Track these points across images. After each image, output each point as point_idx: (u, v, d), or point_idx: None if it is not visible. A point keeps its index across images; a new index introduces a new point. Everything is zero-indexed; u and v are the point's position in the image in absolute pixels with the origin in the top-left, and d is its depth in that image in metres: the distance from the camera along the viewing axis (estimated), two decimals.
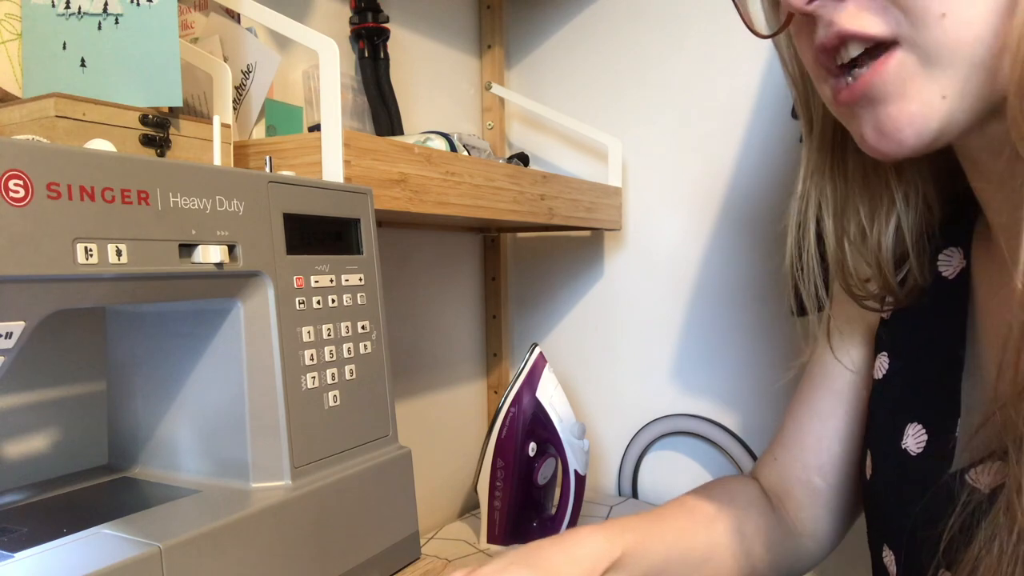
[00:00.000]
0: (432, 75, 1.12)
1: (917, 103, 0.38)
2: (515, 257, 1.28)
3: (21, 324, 0.40)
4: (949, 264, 0.52)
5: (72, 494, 0.55)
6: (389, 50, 0.97)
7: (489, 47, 1.21)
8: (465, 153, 0.83)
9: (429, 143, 0.80)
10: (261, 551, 0.49)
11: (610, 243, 1.18)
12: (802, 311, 1.01)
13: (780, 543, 0.62)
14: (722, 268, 1.08)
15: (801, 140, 0.88)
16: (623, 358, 1.18)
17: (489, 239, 1.24)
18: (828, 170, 0.51)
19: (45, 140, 0.49)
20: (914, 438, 0.50)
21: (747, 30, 0.45)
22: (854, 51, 0.39)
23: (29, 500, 0.54)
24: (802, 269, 0.53)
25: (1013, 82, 0.36)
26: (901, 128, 0.39)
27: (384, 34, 0.96)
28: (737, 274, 1.07)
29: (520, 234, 1.27)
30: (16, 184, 0.38)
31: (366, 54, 0.95)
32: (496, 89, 1.19)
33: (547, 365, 0.96)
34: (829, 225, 0.52)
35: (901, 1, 0.37)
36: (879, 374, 0.56)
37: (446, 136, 0.82)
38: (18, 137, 0.49)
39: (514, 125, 1.25)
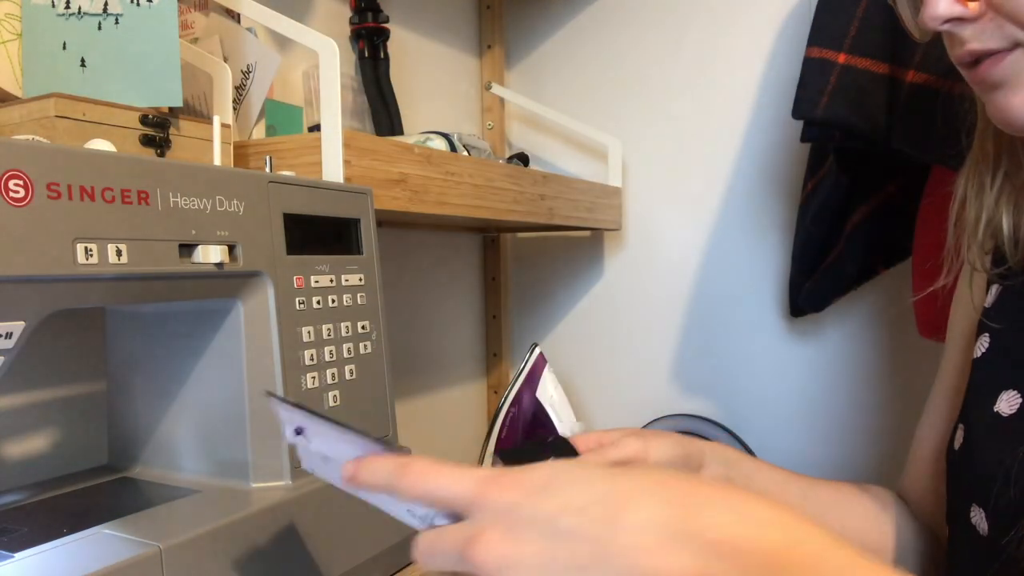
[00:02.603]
0: (432, 75, 1.12)
1: None
2: (515, 257, 1.28)
3: (21, 324, 0.40)
4: None
5: (72, 494, 0.55)
6: (389, 50, 0.97)
7: (489, 47, 1.21)
8: (465, 153, 0.83)
9: (429, 143, 0.80)
10: (261, 551, 0.49)
11: (610, 243, 1.18)
12: (800, 311, 1.01)
13: (911, 548, 0.63)
14: (722, 268, 1.08)
15: (801, 140, 0.89)
16: (623, 358, 1.18)
17: (489, 239, 1.24)
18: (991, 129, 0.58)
19: (45, 140, 0.49)
20: (1008, 402, 0.53)
21: (908, 30, 0.53)
22: (982, 58, 0.48)
23: (29, 500, 0.54)
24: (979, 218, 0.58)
25: None
26: (1017, 114, 0.47)
27: (384, 34, 0.95)
28: (737, 274, 1.07)
29: (520, 234, 1.27)
30: (16, 184, 0.38)
31: (366, 54, 0.95)
32: (496, 89, 1.19)
33: (547, 365, 0.96)
34: (991, 178, 0.57)
35: (1016, 18, 0.45)
36: (978, 353, 0.59)
37: (446, 136, 0.82)
38: (18, 137, 0.49)
39: (514, 125, 1.25)
